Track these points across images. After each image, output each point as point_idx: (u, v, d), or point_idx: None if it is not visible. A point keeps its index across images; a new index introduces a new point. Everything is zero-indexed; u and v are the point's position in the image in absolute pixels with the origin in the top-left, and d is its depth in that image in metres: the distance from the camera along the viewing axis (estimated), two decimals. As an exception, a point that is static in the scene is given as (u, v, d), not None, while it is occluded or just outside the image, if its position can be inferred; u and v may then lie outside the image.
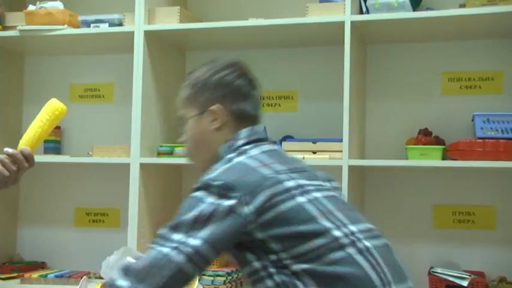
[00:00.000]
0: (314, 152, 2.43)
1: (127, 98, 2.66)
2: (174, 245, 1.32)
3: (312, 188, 1.43)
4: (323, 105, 2.70)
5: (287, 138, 2.60)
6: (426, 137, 2.44)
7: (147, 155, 2.56)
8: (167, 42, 2.70)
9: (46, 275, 2.69)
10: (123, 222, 2.79)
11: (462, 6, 2.40)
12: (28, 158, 1.60)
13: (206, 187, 1.37)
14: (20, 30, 2.68)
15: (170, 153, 2.58)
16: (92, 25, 2.66)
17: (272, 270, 1.36)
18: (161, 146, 2.61)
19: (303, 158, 2.41)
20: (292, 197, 1.38)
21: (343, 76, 2.33)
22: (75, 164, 2.88)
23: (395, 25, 2.39)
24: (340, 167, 2.31)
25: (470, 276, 2.32)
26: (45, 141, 2.92)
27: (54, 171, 3.00)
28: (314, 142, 2.44)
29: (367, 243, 1.39)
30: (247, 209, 1.34)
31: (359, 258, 1.35)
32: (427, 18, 2.30)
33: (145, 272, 1.32)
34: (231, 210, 1.34)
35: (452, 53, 2.59)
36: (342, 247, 1.35)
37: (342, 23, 2.33)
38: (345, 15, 2.34)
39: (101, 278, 2.56)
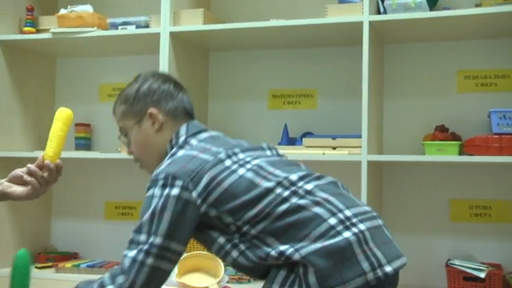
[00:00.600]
0: (334, 148, 2.43)
1: (153, 96, 2.69)
2: (141, 247, 1.38)
3: (250, 158, 1.48)
4: (341, 102, 2.71)
5: (307, 134, 2.62)
6: (443, 133, 2.43)
7: (173, 152, 2.59)
8: (191, 43, 2.73)
9: (78, 265, 2.75)
10: (151, 215, 2.82)
11: (478, 5, 2.39)
12: (59, 170, 1.64)
13: (153, 183, 1.44)
14: (53, 33, 2.73)
15: (195, 150, 2.60)
16: (119, 27, 2.69)
17: (236, 241, 1.42)
18: (186, 143, 2.64)
19: (323, 154, 2.42)
20: (233, 172, 1.44)
21: (361, 74, 2.33)
22: (104, 159, 2.91)
23: (412, 25, 2.38)
24: (359, 163, 2.32)
25: (487, 268, 2.31)
26: (76, 138, 2.98)
27: (84, 167, 3.06)
28: (334, 138, 2.45)
29: (308, 187, 1.43)
30: (194, 194, 1.40)
31: (302, 202, 1.39)
32: (443, 17, 2.29)
33: (125, 281, 1.37)
34: (179, 197, 1.39)
35: (468, 52, 2.58)
36: (285, 200, 1.40)
37: (360, 23, 2.33)
38: (363, 15, 2.34)
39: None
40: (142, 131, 1.60)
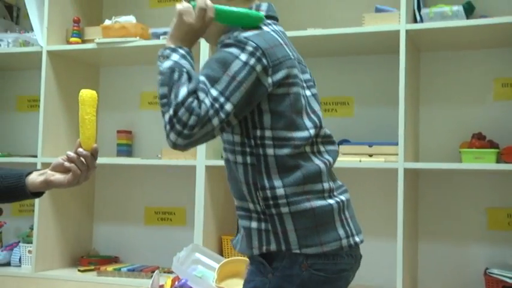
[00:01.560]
0: (370, 155, 2.44)
1: (193, 104, 2.73)
2: (212, 102, 1.30)
3: (305, 84, 1.46)
4: (378, 110, 2.71)
5: (344, 141, 2.62)
6: (480, 140, 2.42)
7: (212, 157, 2.63)
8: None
9: (120, 269, 2.79)
10: (190, 220, 2.87)
11: (516, 13, 2.37)
12: (95, 154, 1.65)
13: (240, 43, 1.34)
14: (97, 43, 2.80)
15: (233, 156, 2.63)
16: (161, 37, 2.75)
17: (247, 149, 1.39)
18: (225, 149, 2.67)
19: (360, 161, 2.43)
20: (298, 85, 1.41)
21: (397, 82, 2.34)
22: (145, 165, 2.97)
23: (449, 33, 2.38)
24: (395, 170, 2.32)
25: (526, 277, 2.28)
26: (118, 145, 3.04)
27: (126, 173, 3.12)
28: (370, 145, 2.45)
29: (322, 149, 1.44)
30: (270, 79, 1.36)
31: (314, 156, 1.41)
32: (481, 25, 2.29)
33: (189, 117, 1.30)
34: (258, 76, 1.33)
35: (506, 59, 2.56)
36: (306, 145, 1.40)
37: (397, 32, 2.34)
38: (400, 24, 2.35)
39: (169, 272, 2.64)
40: None
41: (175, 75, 1.34)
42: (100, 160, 1.73)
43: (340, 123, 2.76)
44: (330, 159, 1.45)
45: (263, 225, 1.38)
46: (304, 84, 1.45)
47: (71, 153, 1.60)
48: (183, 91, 1.30)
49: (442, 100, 2.63)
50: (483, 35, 2.40)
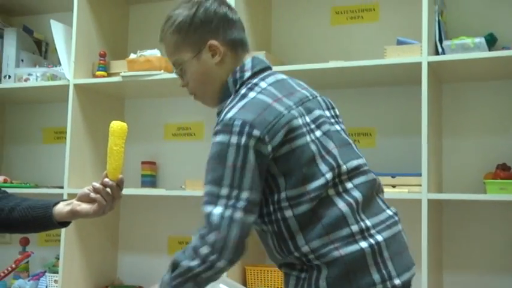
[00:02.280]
0: (393, 186, 2.42)
1: (217, 136, 2.75)
2: (225, 201, 1.30)
3: (313, 125, 1.40)
4: (400, 141, 2.70)
5: (366, 172, 2.60)
6: (505, 171, 2.39)
7: (235, 189, 2.62)
8: (253, 84, 2.78)
9: (143, 299, 2.79)
10: (213, 250, 2.85)
11: (538, 44, 2.36)
12: (121, 185, 1.64)
13: (227, 127, 1.34)
14: (123, 76, 2.84)
15: (256, 187, 2.63)
16: (185, 70, 2.78)
17: (269, 217, 1.37)
18: (248, 180, 2.67)
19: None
20: (302, 135, 1.37)
21: (419, 113, 2.33)
22: (169, 196, 2.97)
23: (471, 64, 2.37)
24: (419, 201, 2.30)
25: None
26: (142, 176, 3.05)
27: (150, 203, 3.13)
28: (393, 176, 2.44)
29: (349, 186, 1.38)
30: (269, 147, 1.33)
31: (337, 198, 1.35)
32: (502, 57, 2.27)
33: (218, 238, 1.30)
34: (257, 150, 1.31)
35: (529, 90, 2.54)
36: (327, 190, 1.35)
37: (419, 64, 2.34)
38: (421, 56, 2.35)
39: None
40: (201, 63, 1.46)
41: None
42: (125, 191, 1.75)
43: (363, 154, 2.74)
44: (359, 195, 1.38)
45: (302, 274, 1.36)
46: (312, 126, 1.40)
47: (97, 184, 1.62)
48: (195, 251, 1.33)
49: (465, 131, 2.61)
50: (505, 65, 2.39)
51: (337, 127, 1.50)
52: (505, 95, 2.57)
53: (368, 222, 1.36)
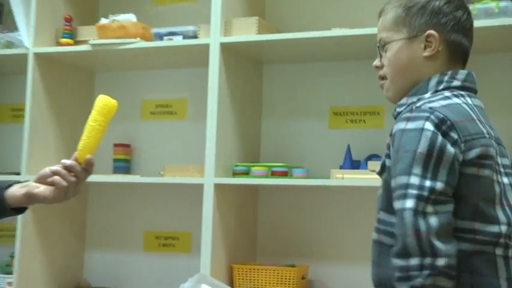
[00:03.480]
0: (404, 173, 2.41)
1: (201, 114, 2.73)
2: (416, 192, 1.31)
3: (503, 170, 1.44)
4: (413, 121, 2.69)
5: (373, 157, 2.60)
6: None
7: (222, 175, 2.62)
8: (244, 55, 2.77)
9: (115, 302, 2.78)
10: (195, 246, 2.85)
11: None
12: (89, 167, 1.61)
13: (423, 113, 1.37)
14: (92, 45, 2.81)
15: (246, 173, 2.63)
16: (165, 38, 2.75)
17: None
18: (237, 166, 2.67)
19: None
20: (492, 169, 1.39)
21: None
22: (145, 184, 2.96)
23: (496, 33, 2.36)
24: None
25: None
26: (115, 160, 3.03)
27: (123, 192, 3.11)
28: (404, 162, 2.43)
29: None
30: (461, 156, 1.36)
31: (500, 263, 1.36)
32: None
33: (415, 242, 1.30)
34: (455, 151, 1.34)
35: None
36: (496, 244, 1.36)
37: (436, 31, 2.32)
38: (438, 22, 2.33)
39: (172, 305, 2.62)
40: (409, 50, 1.53)
41: None
42: (94, 178, 1.73)
43: (369, 136, 2.74)
44: None
45: None
46: (502, 170, 1.43)
47: (68, 161, 1.59)
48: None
49: (491, 109, 2.59)
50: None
51: None
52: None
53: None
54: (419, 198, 1.31)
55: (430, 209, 1.31)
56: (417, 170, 1.33)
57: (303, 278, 2.65)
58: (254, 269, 2.62)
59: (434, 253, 1.28)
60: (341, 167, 2.60)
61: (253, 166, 2.64)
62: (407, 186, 1.33)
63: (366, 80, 2.78)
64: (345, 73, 2.81)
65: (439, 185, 1.32)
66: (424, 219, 1.30)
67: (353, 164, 2.60)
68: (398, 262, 1.31)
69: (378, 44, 1.61)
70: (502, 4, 2.29)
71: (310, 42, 2.57)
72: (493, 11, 2.29)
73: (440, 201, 1.32)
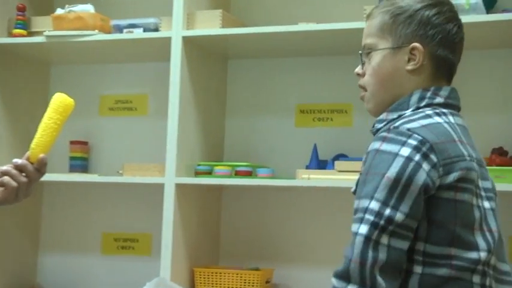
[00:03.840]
0: (372, 173, 2.44)
1: (162, 110, 2.73)
2: (371, 219, 1.30)
3: (484, 193, 1.43)
4: (382, 120, 2.71)
5: (340, 156, 2.62)
6: (501, 156, 2.43)
7: (184, 175, 2.62)
8: (207, 49, 2.77)
9: (70, 307, 2.77)
10: (156, 249, 2.84)
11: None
12: (41, 166, 1.61)
13: (402, 137, 1.35)
14: (47, 36, 2.78)
15: (209, 173, 2.63)
16: (124, 30, 2.74)
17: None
18: (199, 165, 2.67)
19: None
20: (471, 193, 1.38)
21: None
22: (103, 184, 2.94)
23: (466, 29, 2.38)
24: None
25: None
26: (71, 158, 3.01)
27: (80, 192, 3.09)
28: (372, 162, 2.45)
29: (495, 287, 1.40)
30: (438, 182, 1.34)
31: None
32: (503, 21, 2.30)
33: (357, 270, 1.30)
34: (428, 175, 1.32)
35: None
36: (473, 271, 1.36)
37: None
38: (407, 18, 2.36)
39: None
40: (392, 61, 1.50)
41: None
42: (49, 177, 1.73)
43: (336, 135, 2.76)
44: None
45: None
46: (483, 194, 1.42)
47: (19, 161, 1.58)
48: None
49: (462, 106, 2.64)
50: (506, 32, 2.42)
51: (494, 204, 1.50)
52: (505, 66, 2.59)
53: None
54: (374, 225, 1.30)
55: (384, 240, 1.30)
56: (380, 195, 1.32)
57: (267, 282, 2.66)
58: (216, 273, 2.62)
59: (374, 287, 1.28)
60: (307, 167, 2.62)
61: (217, 165, 2.64)
62: (365, 210, 1.32)
63: (334, 76, 2.80)
64: (313, 69, 2.82)
65: (399, 216, 1.31)
66: (374, 250, 1.29)
67: (319, 164, 2.62)
68: (336, 283, 1.32)
69: (361, 51, 1.58)
70: (473, 1, 2.33)
71: (276, 37, 2.58)
72: (463, 7, 2.33)
73: (399, 235, 1.31)
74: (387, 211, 1.30)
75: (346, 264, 1.31)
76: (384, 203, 1.31)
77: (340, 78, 2.80)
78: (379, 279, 1.29)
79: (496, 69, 2.62)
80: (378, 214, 1.31)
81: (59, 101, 1.63)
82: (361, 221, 1.32)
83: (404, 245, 1.32)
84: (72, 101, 1.64)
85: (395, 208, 1.31)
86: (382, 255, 1.30)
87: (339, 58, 2.79)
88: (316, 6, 2.83)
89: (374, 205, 1.31)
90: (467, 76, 2.63)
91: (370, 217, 1.31)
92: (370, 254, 1.29)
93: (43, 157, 1.61)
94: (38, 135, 1.62)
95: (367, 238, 1.30)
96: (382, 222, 1.30)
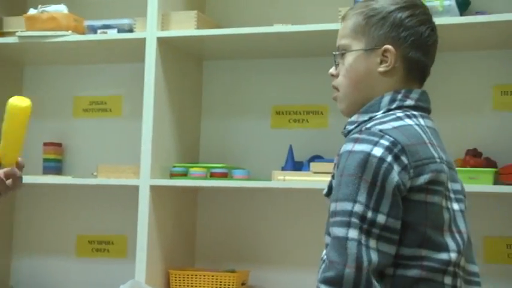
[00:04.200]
0: (347, 175, 2.44)
1: (137, 112, 2.72)
2: (353, 221, 1.31)
3: (453, 195, 1.45)
4: (357, 121, 2.72)
5: (316, 158, 2.63)
6: (475, 158, 2.45)
7: (159, 176, 2.61)
8: (183, 50, 2.76)
9: (44, 311, 2.74)
10: (131, 251, 2.83)
11: (517, 9, 2.41)
12: (10, 176, 1.62)
13: (374, 137, 1.37)
14: (19, 37, 2.76)
15: (184, 175, 2.62)
16: (98, 31, 2.73)
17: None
18: (174, 166, 2.66)
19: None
20: (441, 195, 1.39)
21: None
22: (77, 185, 2.92)
23: (440, 31, 2.40)
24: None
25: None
26: (45, 160, 2.99)
27: (54, 194, 3.07)
28: (347, 163, 2.46)
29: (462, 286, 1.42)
30: (409, 183, 1.36)
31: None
32: (477, 23, 2.32)
33: (353, 275, 1.30)
34: (399, 176, 1.34)
35: (507, 63, 2.60)
36: (444, 272, 1.37)
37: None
38: (382, 20, 2.37)
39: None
40: (365, 62, 1.51)
41: None
42: (22, 178, 1.70)
43: (312, 136, 2.77)
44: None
45: None
46: (452, 196, 1.44)
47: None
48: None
49: (433, 110, 2.65)
50: (480, 34, 2.44)
51: (463, 206, 1.52)
52: (479, 68, 2.61)
53: None
54: (361, 229, 1.32)
55: (372, 244, 1.32)
56: (362, 197, 1.33)
57: (243, 284, 2.66)
58: (192, 275, 2.62)
59: None
60: (283, 169, 2.62)
61: (192, 167, 2.63)
62: (351, 214, 1.32)
63: (310, 78, 2.81)
64: (288, 71, 2.83)
65: (381, 218, 1.32)
66: (367, 254, 1.30)
67: (295, 165, 2.62)
68: None
69: (335, 52, 1.59)
70: (446, 3, 2.34)
71: (251, 38, 2.58)
72: (437, 9, 2.34)
73: (385, 239, 1.33)
74: (369, 214, 1.32)
75: (338, 269, 1.30)
76: (366, 206, 1.32)
77: (315, 79, 2.80)
78: (375, 282, 1.30)
79: (470, 70, 2.64)
80: (362, 218, 1.32)
81: (13, 105, 1.62)
82: (348, 224, 1.32)
83: (392, 250, 1.35)
84: (28, 103, 1.63)
85: (376, 210, 1.32)
86: (375, 258, 1.31)
87: (315, 60, 2.79)
88: (292, 8, 2.83)
89: (358, 208, 1.32)
90: (442, 78, 2.65)
91: (356, 221, 1.32)
92: (365, 257, 1.30)
93: (21, 161, 1.63)
94: (6, 142, 1.61)
95: (359, 242, 1.31)
96: (365, 225, 1.32)
